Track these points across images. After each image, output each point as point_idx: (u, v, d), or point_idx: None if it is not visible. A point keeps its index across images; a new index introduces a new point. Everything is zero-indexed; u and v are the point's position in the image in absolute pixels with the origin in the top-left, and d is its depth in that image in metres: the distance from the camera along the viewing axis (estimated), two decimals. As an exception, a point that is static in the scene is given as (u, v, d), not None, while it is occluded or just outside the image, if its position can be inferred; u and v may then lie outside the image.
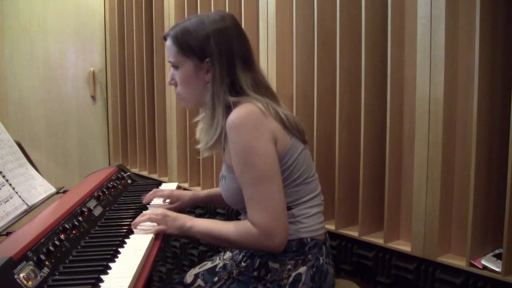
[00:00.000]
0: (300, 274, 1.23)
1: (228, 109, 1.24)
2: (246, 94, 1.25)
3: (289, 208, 1.25)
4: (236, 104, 1.22)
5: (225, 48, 1.26)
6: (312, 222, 1.28)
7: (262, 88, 1.30)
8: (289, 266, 1.24)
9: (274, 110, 1.24)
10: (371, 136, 1.59)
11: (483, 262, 1.32)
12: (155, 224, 1.30)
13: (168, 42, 1.33)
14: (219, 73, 1.25)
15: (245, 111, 1.20)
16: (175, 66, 1.33)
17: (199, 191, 1.61)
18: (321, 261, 1.27)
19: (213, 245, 2.25)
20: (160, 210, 1.34)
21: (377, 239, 1.58)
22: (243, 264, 1.31)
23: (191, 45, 1.27)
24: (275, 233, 1.17)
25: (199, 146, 1.34)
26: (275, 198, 1.17)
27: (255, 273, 1.25)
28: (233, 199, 1.31)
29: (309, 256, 1.25)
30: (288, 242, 1.23)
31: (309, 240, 1.26)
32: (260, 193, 1.17)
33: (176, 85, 1.35)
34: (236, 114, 1.19)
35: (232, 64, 1.26)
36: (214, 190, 1.65)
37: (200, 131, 1.38)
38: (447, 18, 1.35)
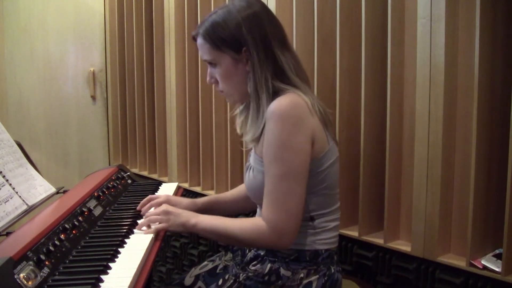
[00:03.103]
0: (311, 282, 1.22)
1: (274, 96, 1.18)
2: (290, 80, 1.21)
3: (312, 219, 1.23)
4: (282, 92, 1.18)
5: (259, 33, 1.20)
6: (329, 235, 1.26)
7: (300, 70, 1.26)
8: (301, 275, 1.22)
9: (318, 108, 1.19)
10: (371, 136, 1.58)
11: (483, 262, 1.32)
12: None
13: (200, 41, 1.26)
14: (258, 59, 1.20)
15: (289, 102, 1.14)
16: (212, 64, 1.27)
17: (197, 199, 1.58)
18: (333, 270, 1.26)
19: (213, 245, 2.25)
20: (163, 207, 1.32)
21: (377, 239, 1.58)
22: (251, 267, 1.27)
23: (224, 38, 1.21)
24: (285, 233, 1.15)
25: (245, 139, 1.28)
26: (295, 199, 1.14)
27: (265, 278, 1.23)
28: (257, 193, 1.25)
29: (322, 266, 1.24)
30: (302, 252, 1.23)
31: (323, 251, 1.24)
32: (282, 190, 1.14)
33: (217, 82, 1.29)
34: (279, 103, 1.14)
35: (269, 47, 1.21)
36: (213, 197, 1.59)
37: (242, 124, 1.32)
38: (447, 18, 1.35)
